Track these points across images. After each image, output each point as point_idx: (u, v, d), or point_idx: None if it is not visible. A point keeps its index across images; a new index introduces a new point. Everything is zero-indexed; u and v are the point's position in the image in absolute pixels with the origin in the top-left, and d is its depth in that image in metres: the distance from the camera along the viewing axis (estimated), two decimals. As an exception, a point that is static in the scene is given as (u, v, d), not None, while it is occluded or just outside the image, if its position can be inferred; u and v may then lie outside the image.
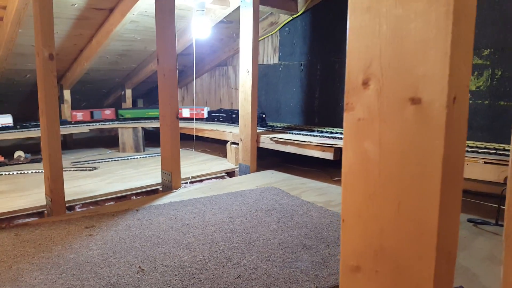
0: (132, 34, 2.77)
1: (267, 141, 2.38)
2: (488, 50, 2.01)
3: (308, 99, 2.93)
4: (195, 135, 2.88)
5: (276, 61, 3.12)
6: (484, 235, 1.40)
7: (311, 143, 2.14)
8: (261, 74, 3.18)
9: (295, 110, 3.01)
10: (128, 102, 3.68)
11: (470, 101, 2.13)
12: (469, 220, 1.54)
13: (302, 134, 2.37)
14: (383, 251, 0.42)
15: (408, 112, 0.39)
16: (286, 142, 2.26)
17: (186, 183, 2.16)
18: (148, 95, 4.23)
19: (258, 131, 2.54)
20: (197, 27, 2.40)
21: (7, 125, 2.76)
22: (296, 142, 2.21)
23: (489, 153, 1.62)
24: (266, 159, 2.63)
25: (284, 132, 2.50)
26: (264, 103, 3.24)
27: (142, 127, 3.14)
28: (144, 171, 2.42)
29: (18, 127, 2.82)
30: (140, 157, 2.86)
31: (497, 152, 1.62)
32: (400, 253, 0.41)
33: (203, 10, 2.36)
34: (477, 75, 2.09)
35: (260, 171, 2.42)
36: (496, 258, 1.21)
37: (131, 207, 1.72)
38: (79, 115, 3.15)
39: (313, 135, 2.32)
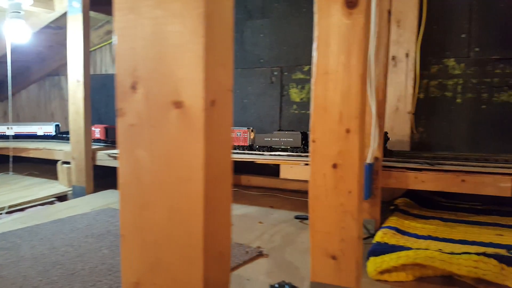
0: None
1: (104, 157, 2.22)
2: (308, 66, 2.26)
3: (150, 112, 2.85)
4: (26, 156, 2.52)
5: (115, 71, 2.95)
6: (308, 229, 1.55)
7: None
8: (99, 84, 2.96)
9: (137, 123, 2.89)
10: None
11: (296, 111, 2.36)
12: (296, 217, 1.69)
13: (143, 148, 2.27)
14: (159, 263, 0.40)
15: (173, 116, 0.38)
16: (124, 157, 2.13)
17: (1, 214, 1.84)
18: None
19: (95, 147, 2.34)
20: (14, 32, 2.11)
21: None
22: (135, 156, 2.10)
23: (307, 156, 1.82)
24: (111, 178, 2.44)
25: (123, 147, 2.36)
26: (104, 116, 3.02)
27: None
28: None
29: None
30: None
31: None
32: (174, 262, 0.39)
33: (20, 13, 2.08)
34: (301, 88, 2.33)
35: (99, 192, 2.23)
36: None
37: None
38: None
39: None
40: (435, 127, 1.99)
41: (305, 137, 1.94)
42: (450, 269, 1.10)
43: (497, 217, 1.69)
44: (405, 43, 1.97)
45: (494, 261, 1.11)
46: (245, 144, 2.15)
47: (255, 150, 2.06)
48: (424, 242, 1.36)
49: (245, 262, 1.21)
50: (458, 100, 1.95)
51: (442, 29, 1.95)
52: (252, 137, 2.09)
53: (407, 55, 1.97)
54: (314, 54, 0.90)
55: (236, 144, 2.18)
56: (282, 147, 1.99)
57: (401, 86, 1.99)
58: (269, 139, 2.07)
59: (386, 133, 1.77)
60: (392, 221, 1.56)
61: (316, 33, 0.89)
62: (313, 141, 0.94)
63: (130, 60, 0.40)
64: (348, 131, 0.89)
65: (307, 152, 1.91)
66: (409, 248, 1.23)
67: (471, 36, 1.91)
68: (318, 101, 0.91)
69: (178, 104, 0.38)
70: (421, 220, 1.62)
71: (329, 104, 0.90)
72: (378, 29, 1.41)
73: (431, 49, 1.97)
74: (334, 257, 0.92)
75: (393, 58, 2.00)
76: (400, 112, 1.99)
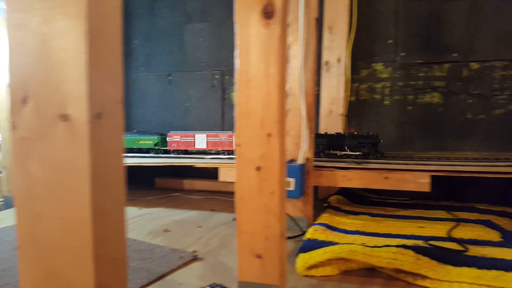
0: None
1: (38, 165, 2.13)
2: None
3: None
4: None
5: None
6: (245, 231, 1.59)
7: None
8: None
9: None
10: None
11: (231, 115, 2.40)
12: (234, 219, 1.72)
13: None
14: (55, 272, 0.41)
15: (60, 128, 0.39)
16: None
17: None
18: None
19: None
20: None
21: None
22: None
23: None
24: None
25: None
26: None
27: None
28: None
29: None
30: None
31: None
32: (68, 271, 0.41)
33: None
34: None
35: None
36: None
37: None
38: None
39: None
40: (365, 128, 2.11)
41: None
42: (371, 262, 1.18)
43: (421, 211, 1.83)
44: (337, 48, 2.07)
45: (411, 252, 1.20)
46: (230, 149, 2.11)
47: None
48: (352, 237, 1.45)
49: (179, 267, 1.23)
50: (386, 102, 2.08)
51: (370, 35, 2.08)
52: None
53: (338, 60, 2.07)
54: (237, 61, 0.94)
55: (220, 149, 2.14)
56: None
57: (334, 90, 2.08)
58: None
59: (377, 135, 1.85)
60: (324, 218, 1.64)
61: (237, 41, 0.93)
62: (238, 145, 0.97)
63: (20, 75, 0.41)
64: (269, 135, 0.93)
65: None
66: (336, 243, 1.31)
67: (397, 42, 2.04)
68: (241, 107, 0.95)
69: (64, 117, 0.39)
70: (351, 216, 1.72)
71: (251, 110, 0.94)
72: (306, 36, 1.48)
73: (361, 54, 2.09)
74: (259, 256, 0.96)
75: (326, 63, 2.09)
76: (334, 114, 2.09)
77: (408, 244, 1.27)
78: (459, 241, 1.41)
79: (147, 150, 2.29)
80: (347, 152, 1.90)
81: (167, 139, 2.20)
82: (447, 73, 1.98)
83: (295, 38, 1.48)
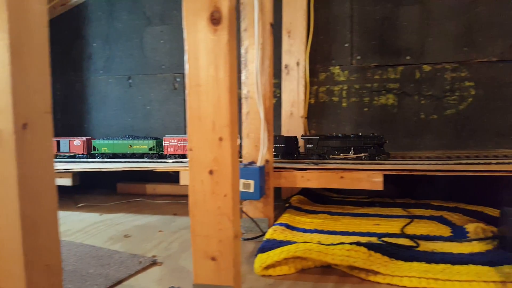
0: None
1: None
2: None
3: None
4: None
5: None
6: (206, 234, 1.59)
7: (44, 170, 1.96)
8: None
9: (33, 134, 2.71)
10: None
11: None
12: (196, 224, 1.72)
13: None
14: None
15: (-14, 140, 0.39)
16: None
17: None
18: None
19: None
20: None
21: None
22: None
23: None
24: None
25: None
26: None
27: None
28: None
29: None
30: None
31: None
32: (2, 279, 0.41)
33: None
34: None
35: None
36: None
37: None
38: None
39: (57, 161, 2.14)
40: (325, 129, 2.16)
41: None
42: (326, 259, 1.22)
43: (378, 209, 1.89)
44: (296, 52, 2.11)
45: (364, 249, 1.25)
46: None
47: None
48: (310, 235, 1.48)
49: (137, 272, 1.22)
50: (344, 104, 2.14)
51: (328, 39, 2.13)
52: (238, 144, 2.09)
53: (298, 63, 2.11)
54: (186, 66, 0.95)
55: None
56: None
57: (294, 92, 2.13)
58: None
59: (382, 136, 1.83)
60: (284, 218, 1.67)
61: (186, 46, 0.94)
62: (190, 150, 0.98)
63: None
64: (221, 139, 0.95)
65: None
66: (294, 242, 1.34)
67: (353, 45, 2.11)
68: (192, 112, 0.96)
69: (-10, 128, 0.39)
70: (311, 215, 1.76)
71: (203, 114, 0.95)
72: (262, 40, 1.50)
73: (319, 57, 2.15)
74: (213, 258, 0.97)
75: (286, 66, 2.13)
76: (294, 116, 2.13)
77: (362, 241, 1.32)
78: (412, 237, 1.47)
79: (141, 155, 2.22)
80: (351, 155, 1.86)
81: (163, 143, 2.14)
82: (400, 76, 2.07)
83: (251, 43, 1.50)
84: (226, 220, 0.96)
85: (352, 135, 1.86)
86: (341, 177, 1.58)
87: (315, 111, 2.18)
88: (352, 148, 1.85)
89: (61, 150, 2.31)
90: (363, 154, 1.83)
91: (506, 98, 1.97)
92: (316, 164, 1.70)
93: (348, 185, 1.59)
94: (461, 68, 2.00)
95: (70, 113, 2.66)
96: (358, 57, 2.10)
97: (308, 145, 1.91)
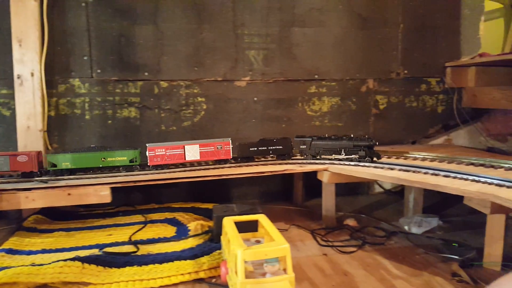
0: None
1: None
2: None
3: None
4: None
5: None
6: None
7: None
8: None
9: None
10: None
11: None
12: None
13: None
14: None
15: None
16: None
17: None
18: None
19: None
20: None
21: None
22: None
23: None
24: None
25: None
26: None
27: None
28: None
29: None
30: None
31: None
32: None
33: None
34: None
35: None
36: None
37: None
38: None
39: None
40: (68, 142, 2.13)
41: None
42: (36, 280, 1.23)
43: (120, 218, 1.98)
44: (30, 62, 2.00)
45: (77, 263, 1.31)
46: (228, 158, 1.99)
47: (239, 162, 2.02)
48: (32, 257, 1.45)
49: None
50: (87, 117, 2.15)
51: (65, 51, 2.10)
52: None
53: (32, 74, 2.00)
54: None
55: (216, 158, 1.98)
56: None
57: (30, 104, 2.01)
58: (255, 148, 2.04)
59: (372, 138, 1.85)
60: (9, 242, 1.58)
61: None
62: None
63: None
64: None
65: None
66: (6, 268, 1.28)
67: (92, 59, 2.13)
68: None
69: None
70: (45, 234, 1.71)
71: None
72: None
73: (58, 69, 2.09)
74: None
75: (19, 77, 1.99)
76: (32, 130, 2.01)
77: (80, 255, 1.38)
78: (136, 242, 1.61)
79: (119, 168, 1.89)
80: (342, 156, 1.91)
81: (147, 153, 1.91)
82: (141, 90, 2.21)
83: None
84: None
85: (343, 137, 1.94)
86: (69, 194, 1.60)
87: (57, 124, 2.11)
88: (343, 150, 1.92)
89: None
90: (353, 156, 1.89)
91: (230, 111, 2.36)
92: (46, 182, 1.66)
93: (76, 201, 1.61)
94: (193, 85, 2.29)
95: None
96: (99, 71, 2.14)
97: (301, 146, 2.01)
